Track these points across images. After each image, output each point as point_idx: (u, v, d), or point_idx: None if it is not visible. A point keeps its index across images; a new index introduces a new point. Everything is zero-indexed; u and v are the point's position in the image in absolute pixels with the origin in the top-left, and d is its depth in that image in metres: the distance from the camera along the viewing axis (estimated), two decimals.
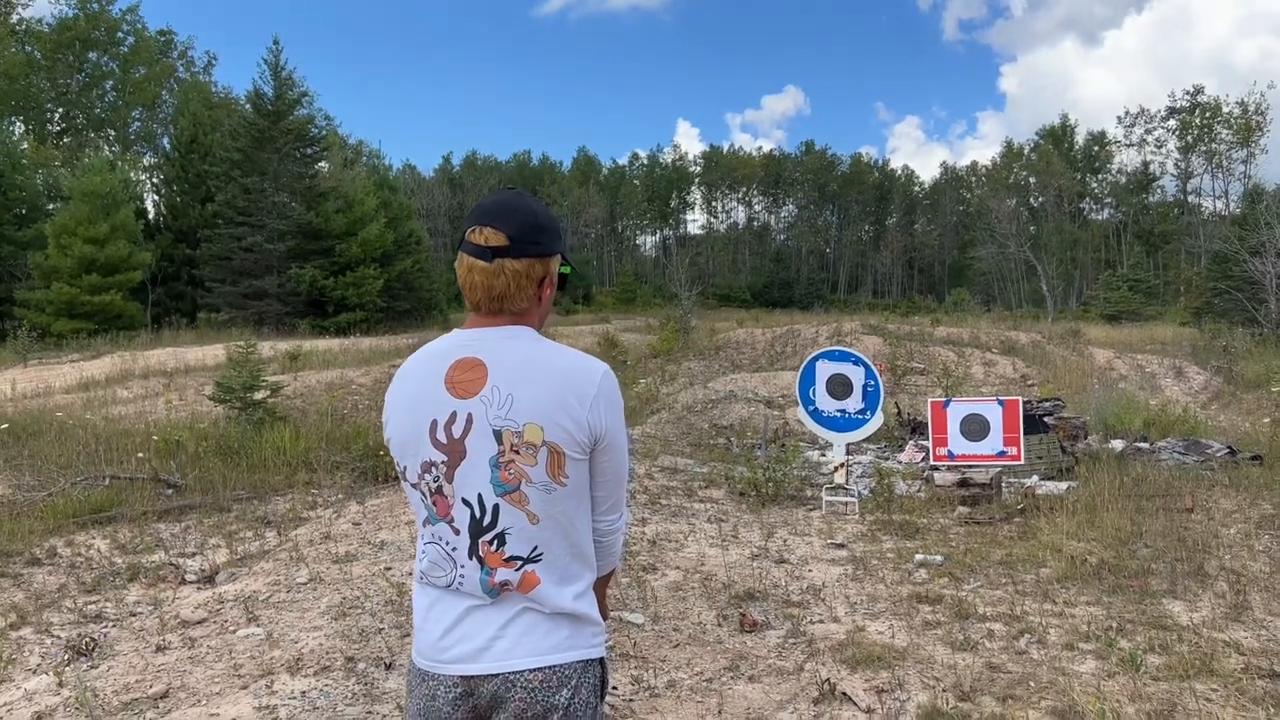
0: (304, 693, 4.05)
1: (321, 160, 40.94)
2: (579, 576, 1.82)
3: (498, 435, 1.72)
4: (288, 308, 34.75)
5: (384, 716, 3.84)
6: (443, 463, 1.75)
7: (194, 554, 6.49)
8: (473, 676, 1.73)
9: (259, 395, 10.89)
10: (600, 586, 1.94)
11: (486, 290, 1.78)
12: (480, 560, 1.74)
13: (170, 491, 8.23)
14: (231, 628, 4.94)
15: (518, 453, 1.71)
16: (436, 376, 1.78)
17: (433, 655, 1.77)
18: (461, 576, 1.76)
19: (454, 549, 1.76)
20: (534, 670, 1.72)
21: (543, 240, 1.81)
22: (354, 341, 25.56)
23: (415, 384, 1.81)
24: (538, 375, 1.74)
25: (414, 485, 1.80)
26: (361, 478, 8.97)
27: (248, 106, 38.71)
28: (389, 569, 5.91)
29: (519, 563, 1.74)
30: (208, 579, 5.91)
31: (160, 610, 5.27)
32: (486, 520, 1.73)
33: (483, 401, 1.73)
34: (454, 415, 1.74)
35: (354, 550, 6.42)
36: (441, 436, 1.75)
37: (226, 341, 19.17)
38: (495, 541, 1.73)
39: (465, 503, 1.74)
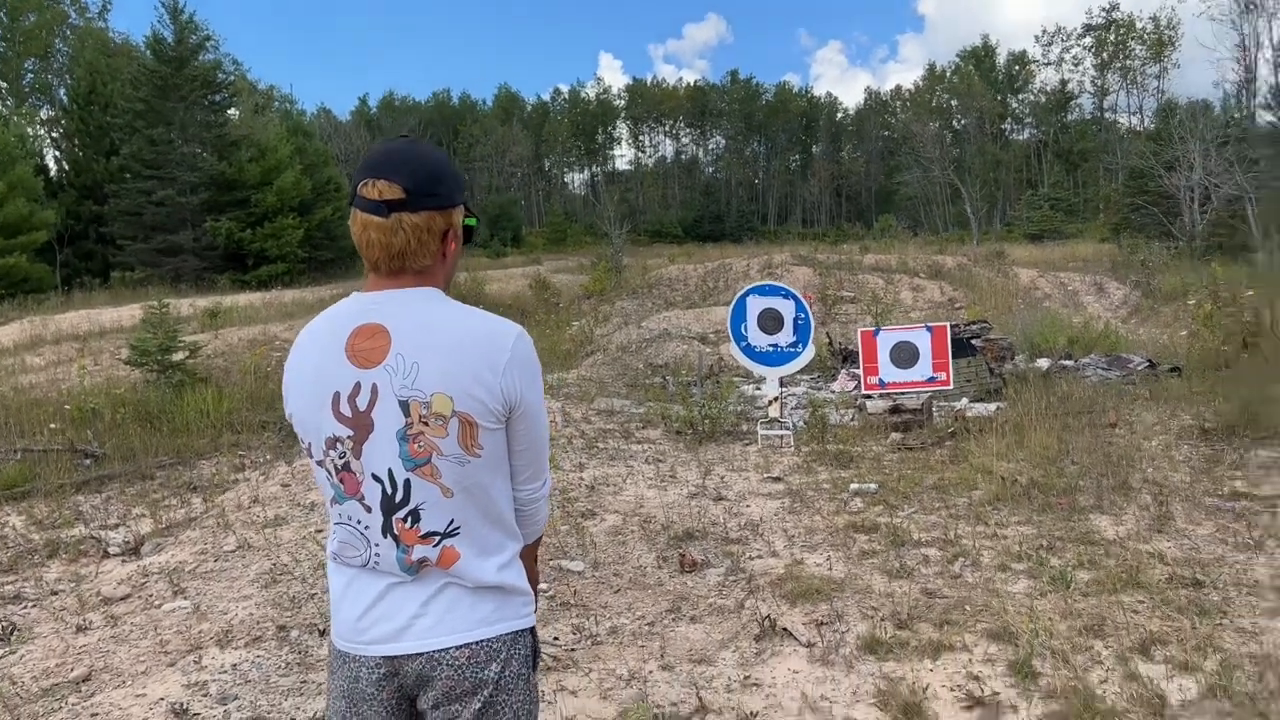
0: (235, 665, 3.94)
1: (231, 107, 39.31)
2: (502, 547, 1.73)
3: (404, 406, 1.60)
4: (205, 263, 33.61)
5: (320, 685, 3.75)
6: (348, 437, 1.63)
7: (117, 526, 6.26)
8: (396, 656, 1.65)
9: (177, 356, 10.53)
10: (528, 555, 1.85)
11: (385, 249, 1.64)
12: (395, 538, 1.64)
13: (88, 462, 7.93)
14: (157, 602, 4.78)
15: (426, 424, 1.60)
16: (336, 345, 1.65)
17: (352, 636, 1.68)
18: (377, 555, 1.66)
19: (366, 528, 1.65)
20: (460, 647, 1.64)
21: (441, 191, 1.67)
22: (276, 295, 24.88)
23: (314, 354, 1.68)
24: (445, 341, 1.62)
25: (319, 463, 1.68)
26: (290, 437, 8.73)
27: (148, 54, 36.83)
28: (320, 532, 5.77)
29: (436, 538, 1.64)
30: (132, 551, 5.71)
31: (81, 587, 5.08)
32: (399, 496, 1.63)
33: (387, 371, 1.61)
34: (358, 386, 1.62)
35: (283, 514, 6.26)
36: (345, 410, 1.62)
37: (143, 300, 18.53)
38: (409, 518, 1.63)
39: (375, 479, 1.63)
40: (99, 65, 40.87)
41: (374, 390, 1.61)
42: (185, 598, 4.79)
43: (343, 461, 1.64)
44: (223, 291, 27.75)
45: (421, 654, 1.64)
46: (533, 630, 1.79)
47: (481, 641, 1.66)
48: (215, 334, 15.93)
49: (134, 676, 3.88)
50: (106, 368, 12.47)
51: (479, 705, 1.65)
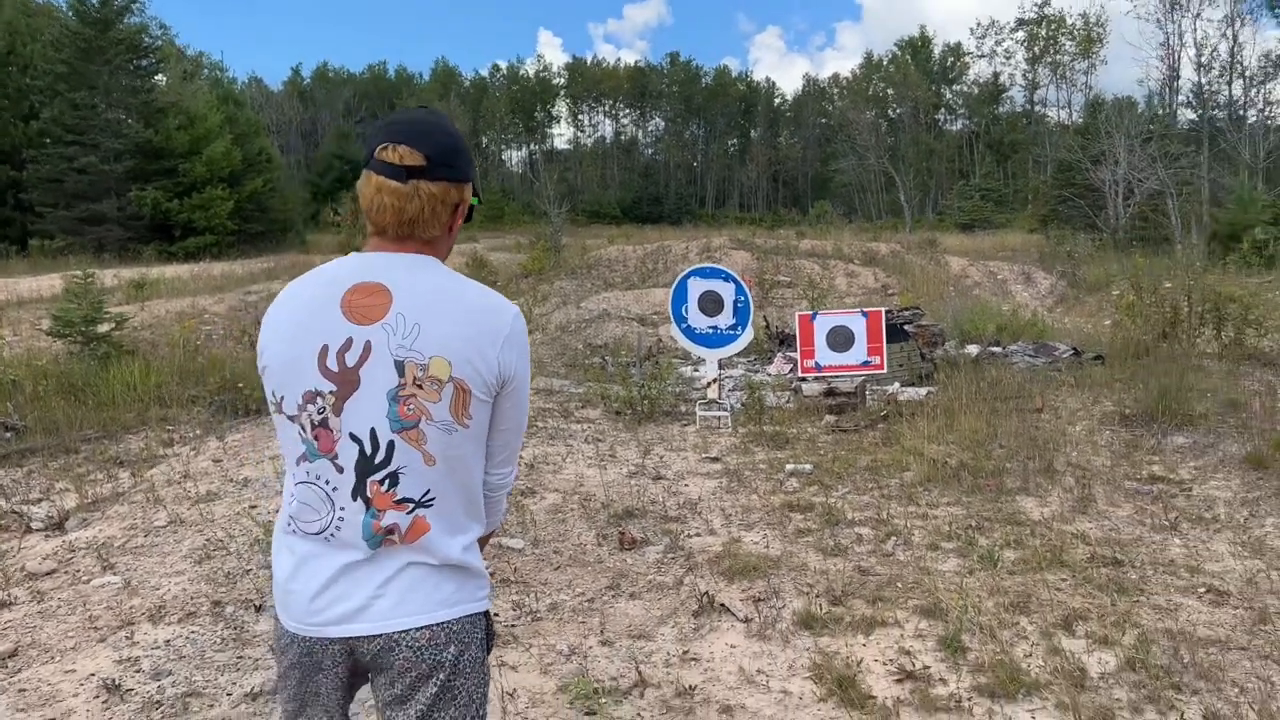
0: (168, 641, 3.87)
1: (158, 73, 38.07)
2: (468, 528, 1.73)
3: (399, 366, 1.59)
4: (130, 233, 32.59)
5: (256, 660, 3.71)
6: (330, 393, 1.60)
7: (39, 500, 6.08)
8: (353, 638, 1.63)
9: (103, 328, 10.21)
10: (481, 545, 1.86)
11: (397, 214, 1.64)
12: (366, 501, 1.61)
13: (9, 435, 7.66)
14: (85, 578, 4.66)
15: (420, 387, 1.59)
16: (331, 300, 1.63)
17: (305, 618, 1.65)
18: (340, 520, 1.62)
19: (335, 489, 1.62)
20: (420, 629, 1.63)
21: (459, 165, 1.70)
22: (205, 267, 24.24)
23: (304, 306, 1.65)
24: (449, 308, 1.63)
25: (292, 418, 1.64)
26: (220, 411, 8.57)
27: (70, 14, 35.44)
28: (254, 507, 5.68)
29: (410, 505, 1.62)
30: (56, 526, 5.55)
31: (4, 562, 4.93)
32: (379, 457, 1.60)
33: (384, 329, 1.59)
34: (349, 341, 1.60)
35: (215, 489, 6.15)
36: (332, 364, 1.60)
37: (63, 270, 17.91)
38: (386, 481, 1.61)
39: (353, 438, 1.60)
40: (18, 25, 39.08)
41: (366, 347, 1.59)
42: (115, 573, 4.68)
43: (320, 418, 1.61)
44: (148, 263, 26.96)
45: (380, 635, 1.62)
46: (488, 614, 1.79)
47: (441, 624, 1.65)
48: (141, 306, 15.47)
49: (63, 652, 3.79)
50: (26, 338, 12.04)
51: (435, 689, 1.64)
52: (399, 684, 1.64)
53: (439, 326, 1.60)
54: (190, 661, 3.70)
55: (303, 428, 1.63)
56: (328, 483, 1.63)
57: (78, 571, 4.77)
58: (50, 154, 32.69)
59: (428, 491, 1.64)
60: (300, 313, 1.65)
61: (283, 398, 1.65)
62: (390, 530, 1.62)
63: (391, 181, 1.63)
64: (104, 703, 3.37)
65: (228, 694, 3.45)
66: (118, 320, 10.54)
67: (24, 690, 3.48)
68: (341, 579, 1.63)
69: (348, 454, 1.61)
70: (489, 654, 1.79)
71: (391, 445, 1.60)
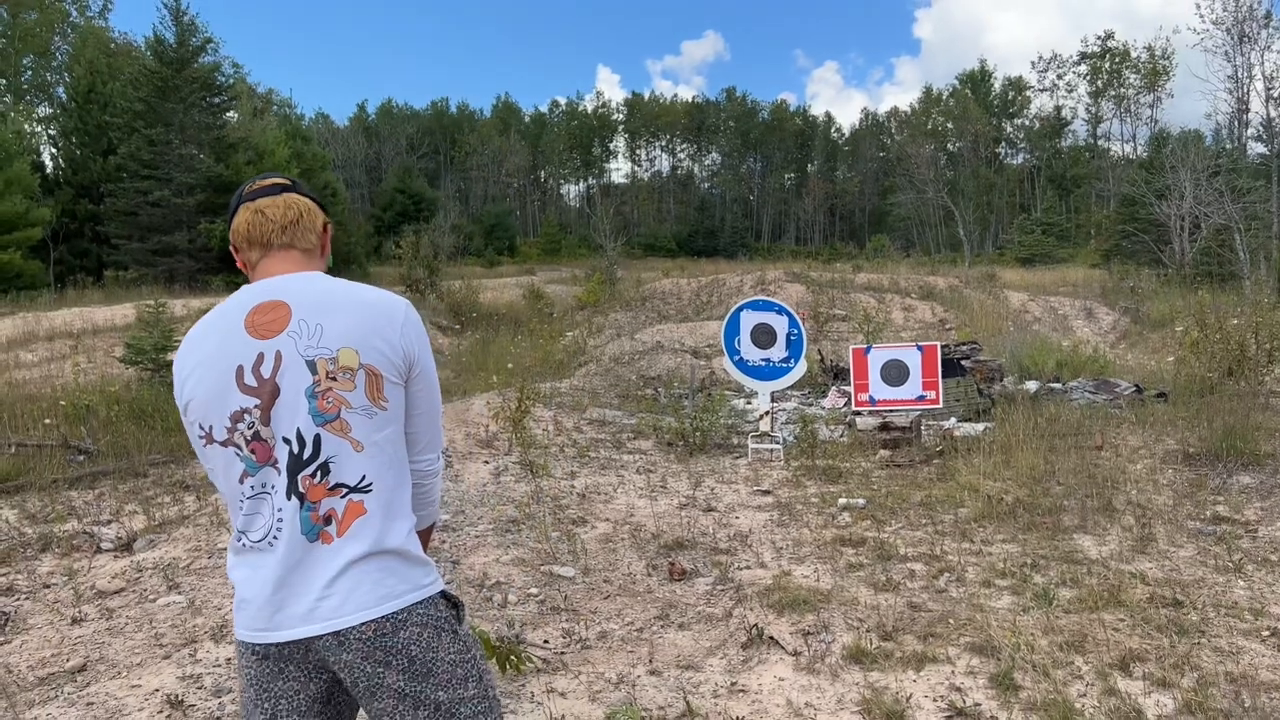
0: (229, 660, 3.98)
1: (229, 110, 39.39)
2: (407, 515, 1.80)
3: (311, 365, 1.69)
4: (200, 264, 33.59)
5: None
6: (255, 407, 1.69)
7: (109, 521, 6.30)
8: (301, 640, 1.68)
9: (172, 356, 10.56)
10: (424, 541, 1.91)
11: (279, 222, 1.85)
12: (300, 496, 1.68)
13: (81, 458, 7.96)
14: (151, 596, 4.82)
15: (335, 379, 1.69)
16: (234, 326, 1.74)
17: (257, 625, 1.71)
18: (279, 522, 1.68)
19: (273, 490, 1.70)
20: (366, 623, 1.68)
21: (314, 197, 1.97)
22: None
23: (211, 339, 1.75)
24: (344, 304, 1.76)
25: (224, 443, 1.71)
26: None
27: (148, 54, 36.87)
28: None
29: (344, 490, 1.69)
30: (125, 546, 5.75)
31: (75, 581, 5.11)
32: (307, 453, 1.69)
33: (290, 336, 1.71)
34: (260, 356, 1.70)
35: None
36: (250, 380, 1.70)
37: (136, 300, 18.50)
38: (318, 473, 1.69)
39: (285, 440, 1.69)
40: (99, 64, 40.90)
41: (278, 356, 1.70)
42: (179, 592, 4.84)
43: (252, 432, 1.69)
44: (216, 293, 27.74)
45: (328, 634, 1.67)
46: (444, 593, 1.82)
47: (388, 616, 1.69)
48: None
49: (129, 668, 3.93)
50: (100, 365, 12.49)
51: (401, 667, 1.68)
52: (361, 680, 1.69)
53: (339, 321, 1.72)
54: None
55: (238, 447, 1.71)
56: (272, 488, 1.71)
57: (144, 591, 4.93)
58: (126, 188, 33.89)
59: (363, 477, 1.71)
60: (209, 345, 1.75)
61: (211, 427, 1.73)
62: (327, 518, 1.69)
63: (267, 198, 1.87)
64: (167, 717, 3.48)
65: None
66: None
67: (92, 704, 3.61)
68: (287, 583, 1.69)
69: (283, 457, 1.70)
70: (462, 623, 1.82)
71: (318, 439, 1.69)
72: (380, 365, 1.72)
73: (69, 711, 3.56)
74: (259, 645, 1.71)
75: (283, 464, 1.69)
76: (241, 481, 1.73)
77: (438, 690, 1.71)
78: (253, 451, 1.70)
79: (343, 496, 1.70)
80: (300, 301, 1.74)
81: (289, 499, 1.69)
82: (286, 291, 1.76)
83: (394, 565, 1.73)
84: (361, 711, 1.81)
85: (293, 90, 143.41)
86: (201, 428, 1.74)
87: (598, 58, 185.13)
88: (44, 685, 3.79)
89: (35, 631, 4.41)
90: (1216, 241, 29.35)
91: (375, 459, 1.73)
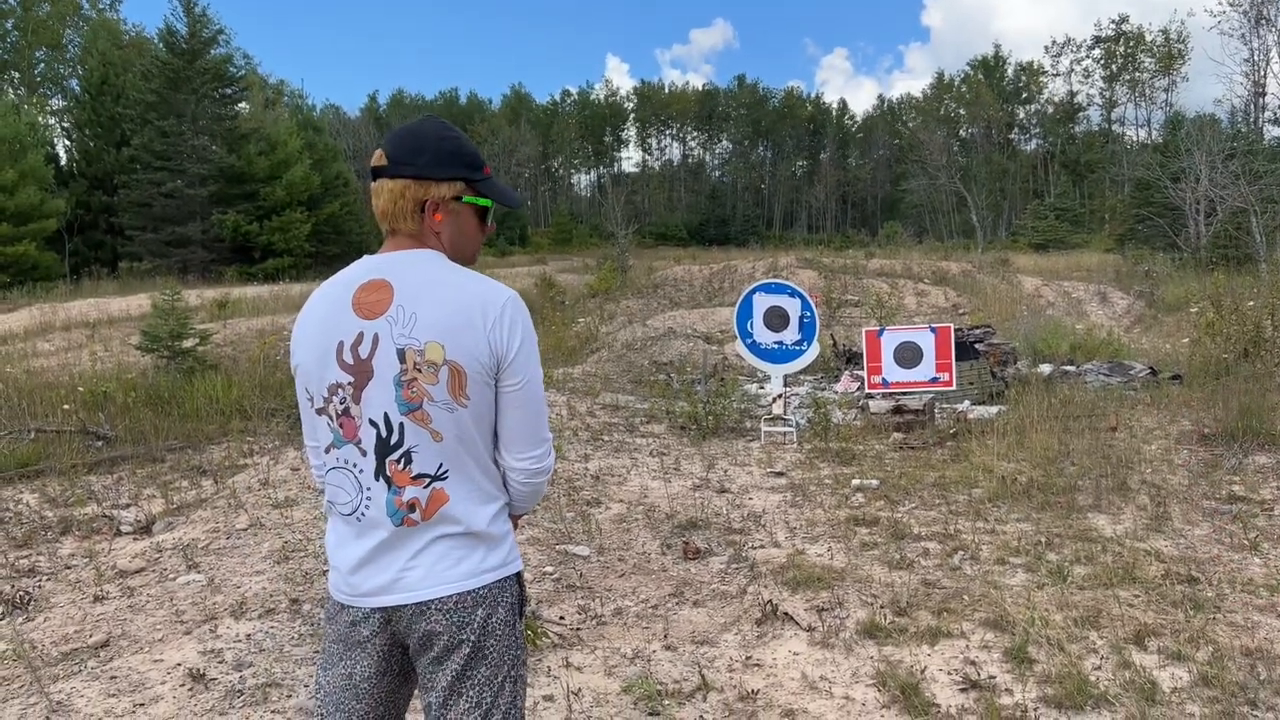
0: (249, 635, 4.03)
1: (241, 101, 39.58)
2: (489, 499, 1.82)
3: (401, 354, 1.72)
4: (213, 255, 33.82)
5: None
6: (349, 384, 1.74)
7: (128, 505, 6.36)
8: (388, 608, 1.76)
9: (188, 343, 10.63)
10: (515, 523, 1.95)
11: (379, 209, 1.84)
12: (388, 480, 1.74)
13: (100, 443, 8.03)
14: (171, 575, 4.88)
15: (420, 371, 1.71)
16: (344, 300, 1.78)
17: (347, 590, 1.80)
18: (368, 500, 1.75)
19: (360, 471, 1.76)
20: (448, 596, 1.75)
21: (420, 163, 1.80)
22: (284, 288, 25.00)
23: (322, 309, 1.81)
24: (442, 295, 1.75)
25: (320, 410, 1.79)
26: (299, 423, 8.82)
27: (160, 46, 37.01)
28: None
29: (426, 480, 1.74)
30: (144, 529, 5.80)
31: (96, 561, 5.17)
32: (394, 439, 1.73)
33: (388, 321, 1.73)
34: (360, 336, 1.74)
35: (294, 495, 6.35)
36: (348, 358, 1.75)
37: (150, 291, 18.63)
38: (402, 460, 1.74)
39: (372, 423, 1.74)
40: (111, 56, 41.03)
41: (375, 339, 1.73)
42: (199, 571, 4.89)
43: (343, 407, 1.75)
44: (230, 284, 27.91)
45: (410, 605, 1.74)
46: (519, 575, 1.88)
47: (469, 590, 1.76)
48: (223, 324, 16.03)
49: (151, 643, 3.98)
50: (117, 354, 12.58)
51: (468, 650, 1.75)
52: (434, 648, 1.76)
53: (432, 313, 1.73)
54: (270, 654, 3.85)
55: (330, 418, 1.78)
56: (355, 466, 1.77)
57: (164, 570, 4.98)
58: (140, 179, 34.08)
59: (441, 465, 1.75)
60: (320, 315, 1.81)
61: (312, 394, 1.81)
62: (411, 506, 1.74)
63: (372, 181, 1.84)
64: (189, 690, 3.53)
65: (305, 685, 3.58)
66: (201, 337, 10.96)
67: (115, 678, 3.66)
68: (374, 557, 1.77)
69: (369, 438, 1.75)
70: (521, 618, 1.87)
71: (402, 427, 1.73)
72: (465, 362, 1.72)
73: (93, 685, 3.61)
74: (349, 607, 1.80)
75: (369, 445, 1.75)
76: (327, 452, 1.81)
77: (482, 667, 1.77)
78: (341, 426, 1.77)
79: (425, 486, 1.75)
80: (403, 285, 1.76)
81: (377, 479, 1.75)
82: (393, 271, 1.78)
83: (475, 544, 1.79)
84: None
85: (304, 81, 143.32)
86: (307, 391, 1.82)
87: (606, 47, 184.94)
88: (68, 660, 3.85)
89: (58, 609, 4.47)
90: (1232, 224, 29.12)
91: (455, 449, 1.75)
